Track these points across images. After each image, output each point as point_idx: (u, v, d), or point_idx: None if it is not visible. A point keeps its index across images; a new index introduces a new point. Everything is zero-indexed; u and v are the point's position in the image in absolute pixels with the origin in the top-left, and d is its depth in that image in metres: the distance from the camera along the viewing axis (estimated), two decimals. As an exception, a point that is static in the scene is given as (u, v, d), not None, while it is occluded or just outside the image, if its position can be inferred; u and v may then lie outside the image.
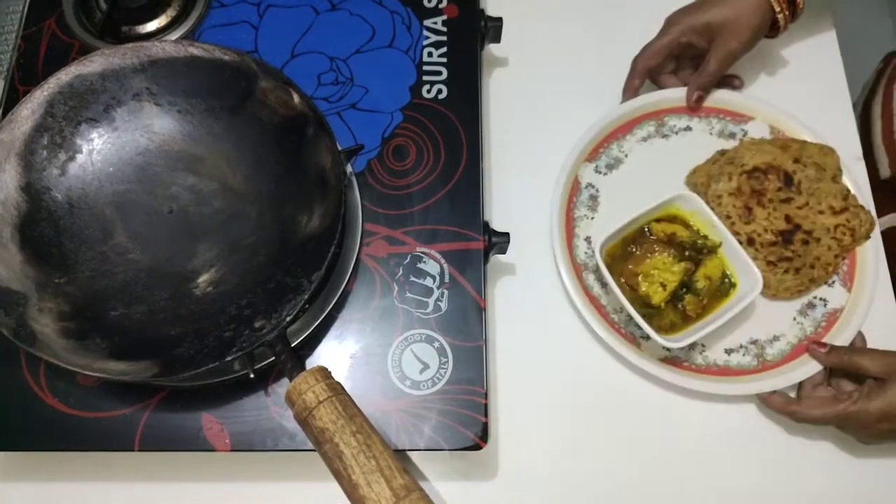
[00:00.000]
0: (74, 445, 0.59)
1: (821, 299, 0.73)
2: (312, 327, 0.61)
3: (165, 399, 0.60)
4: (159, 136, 0.65)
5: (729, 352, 0.71)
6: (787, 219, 0.71)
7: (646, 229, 0.72)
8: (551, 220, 0.73)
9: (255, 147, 0.64)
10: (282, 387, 0.60)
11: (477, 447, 0.60)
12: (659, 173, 0.76)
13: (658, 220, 0.72)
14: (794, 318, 0.72)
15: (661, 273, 0.70)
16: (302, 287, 0.57)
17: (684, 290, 0.70)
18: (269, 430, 0.59)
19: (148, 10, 0.74)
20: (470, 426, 0.60)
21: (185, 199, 0.64)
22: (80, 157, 0.64)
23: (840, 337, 0.70)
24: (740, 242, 0.70)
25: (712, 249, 0.70)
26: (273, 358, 0.59)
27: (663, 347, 0.69)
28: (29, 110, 0.61)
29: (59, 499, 0.62)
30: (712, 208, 0.71)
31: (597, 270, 0.72)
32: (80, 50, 0.73)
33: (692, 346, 0.70)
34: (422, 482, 0.60)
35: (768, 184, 0.72)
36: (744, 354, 0.70)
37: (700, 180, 0.75)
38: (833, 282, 0.73)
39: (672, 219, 0.72)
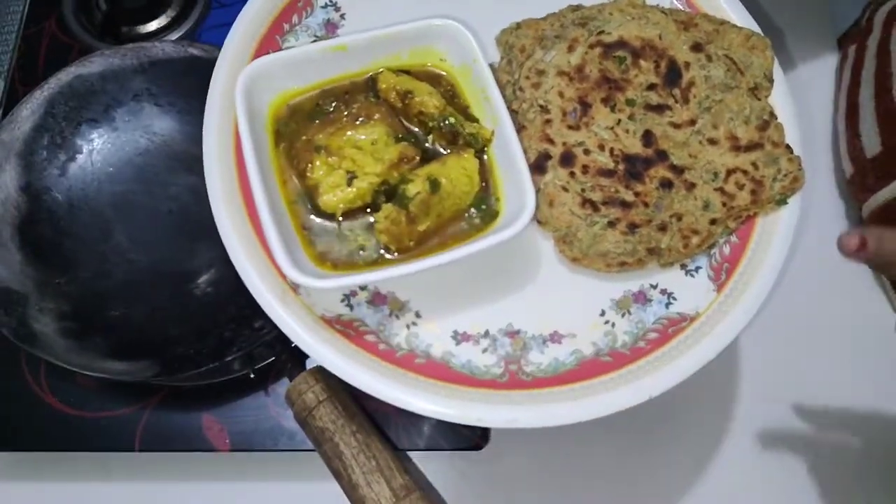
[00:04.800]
0: (74, 445, 0.60)
1: (664, 291, 0.43)
2: (312, 327, 0.61)
3: (165, 399, 0.60)
4: (159, 136, 0.65)
5: (459, 338, 0.42)
6: (648, 138, 0.43)
7: (371, 80, 0.43)
8: (224, 50, 0.48)
9: (255, 147, 0.64)
10: (281, 387, 0.60)
11: (477, 447, 0.60)
12: (463, 17, 0.44)
13: (399, 72, 0.44)
14: (603, 313, 0.42)
15: (359, 156, 0.41)
16: (302, 287, 0.57)
17: (385, 196, 0.41)
18: (269, 429, 0.59)
19: (148, 10, 0.74)
20: (470, 426, 0.60)
21: (185, 199, 0.64)
22: (80, 158, 0.64)
23: (679, 361, 0.42)
24: (545, 156, 0.41)
25: (473, 142, 0.42)
26: (273, 358, 0.59)
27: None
28: (29, 110, 0.62)
29: (59, 499, 0.62)
30: (520, 88, 0.43)
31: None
32: (80, 50, 0.73)
33: (395, 311, 0.41)
34: (422, 482, 0.60)
35: (635, 73, 0.44)
36: (486, 350, 0.42)
37: (522, 42, 0.45)
38: (696, 268, 0.44)
39: (429, 77, 0.44)
